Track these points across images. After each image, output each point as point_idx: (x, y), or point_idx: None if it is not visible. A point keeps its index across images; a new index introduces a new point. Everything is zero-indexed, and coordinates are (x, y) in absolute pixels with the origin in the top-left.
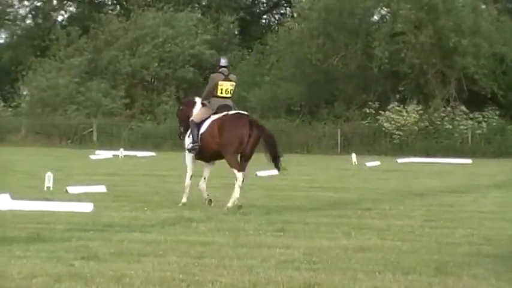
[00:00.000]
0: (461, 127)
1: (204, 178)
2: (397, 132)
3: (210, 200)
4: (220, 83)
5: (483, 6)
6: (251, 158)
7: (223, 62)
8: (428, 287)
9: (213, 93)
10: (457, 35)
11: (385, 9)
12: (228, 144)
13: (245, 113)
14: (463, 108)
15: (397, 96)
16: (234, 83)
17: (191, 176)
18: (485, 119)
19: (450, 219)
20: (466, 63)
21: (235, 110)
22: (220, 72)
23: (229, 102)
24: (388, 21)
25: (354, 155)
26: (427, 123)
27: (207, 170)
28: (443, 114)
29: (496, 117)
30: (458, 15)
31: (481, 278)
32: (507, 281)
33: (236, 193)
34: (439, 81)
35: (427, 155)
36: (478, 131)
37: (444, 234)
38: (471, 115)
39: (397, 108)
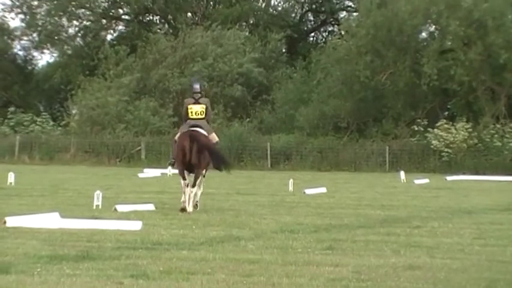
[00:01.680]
0: (511, 144)
1: (187, 186)
2: (445, 150)
3: (184, 209)
4: (190, 106)
5: None
6: (200, 166)
7: (195, 87)
8: None
9: (186, 116)
10: (507, 51)
11: (434, 26)
12: (175, 156)
13: (194, 129)
14: None
15: (446, 113)
16: (204, 105)
17: (186, 184)
18: None
19: (500, 237)
20: None
21: (200, 128)
22: (191, 97)
23: (201, 122)
24: (436, 38)
25: (402, 173)
26: (476, 141)
27: (190, 178)
28: (492, 132)
29: None
30: (508, 31)
31: None
32: None
33: (183, 197)
34: (488, 98)
35: (476, 173)
36: None
37: (494, 252)
38: None
39: (446, 125)
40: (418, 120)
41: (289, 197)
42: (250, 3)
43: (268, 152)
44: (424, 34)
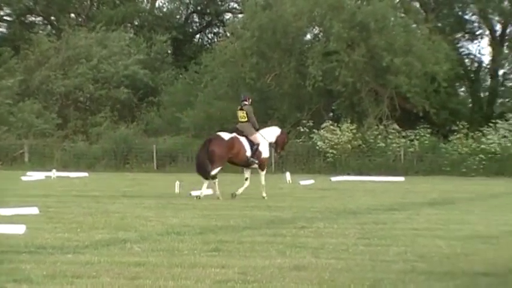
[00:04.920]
0: (394, 145)
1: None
2: (330, 151)
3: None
4: (237, 112)
5: (414, 26)
6: (214, 164)
7: (241, 97)
8: None
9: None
10: (390, 53)
11: (318, 28)
12: None
13: (217, 134)
14: (396, 126)
15: (331, 114)
16: (244, 111)
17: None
18: (418, 137)
19: (384, 236)
20: (399, 82)
21: (239, 132)
22: (240, 105)
23: (239, 126)
24: (320, 39)
25: (288, 174)
26: (360, 142)
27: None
28: (376, 133)
29: (427, 135)
30: (390, 34)
31: None
32: None
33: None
34: (372, 99)
35: (361, 173)
36: (411, 149)
37: (378, 252)
38: (404, 133)
39: (331, 126)
40: (304, 122)
41: (176, 199)
42: (135, 4)
43: (154, 154)
44: (308, 36)
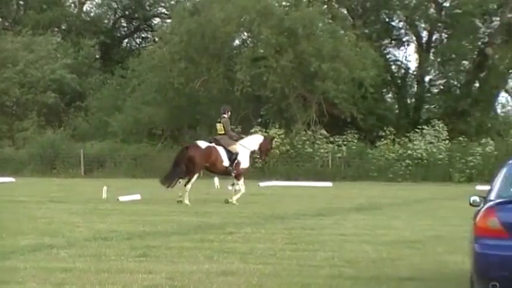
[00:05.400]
0: (322, 150)
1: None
2: (259, 156)
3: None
4: (216, 124)
5: (342, 32)
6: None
7: (221, 109)
8: None
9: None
10: (317, 59)
11: (246, 33)
12: None
13: (195, 142)
14: (324, 132)
15: (259, 120)
16: (222, 124)
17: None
18: (345, 143)
19: (312, 242)
20: (326, 88)
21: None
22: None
23: (218, 137)
24: (249, 45)
25: (216, 179)
26: (288, 147)
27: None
28: (304, 138)
29: (355, 141)
30: (318, 40)
31: None
32: None
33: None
34: (300, 105)
35: (289, 179)
36: (338, 155)
37: (305, 257)
38: (331, 139)
39: (259, 132)
40: (232, 127)
41: (103, 204)
42: (62, 8)
43: (82, 159)
44: (237, 41)
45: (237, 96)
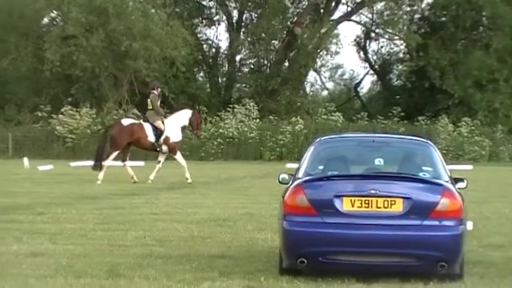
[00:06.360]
0: None
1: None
2: (70, 136)
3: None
4: (147, 100)
5: (153, 10)
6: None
7: (150, 85)
8: None
9: None
10: (128, 38)
11: (55, 12)
12: None
13: (118, 120)
14: (135, 111)
15: (70, 99)
16: (149, 100)
17: None
18: None
19: (123, 221)
20: (138, 67)
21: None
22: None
23: (147, 113)
24: (58, 24)
25: (25, 159)
26: (100, 127)
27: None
28: (116, 117)
29: None
30: (128, 19)
31: (152, 279)
32: (179, 282)
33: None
34: (111, 84)
35: None
36: None
37: (116, 236)
38: (143, 118)
39: (70, 111)
40: (42, 106)
41: None
42: None
43: None
44: (46, 19)
45: (46, 76)
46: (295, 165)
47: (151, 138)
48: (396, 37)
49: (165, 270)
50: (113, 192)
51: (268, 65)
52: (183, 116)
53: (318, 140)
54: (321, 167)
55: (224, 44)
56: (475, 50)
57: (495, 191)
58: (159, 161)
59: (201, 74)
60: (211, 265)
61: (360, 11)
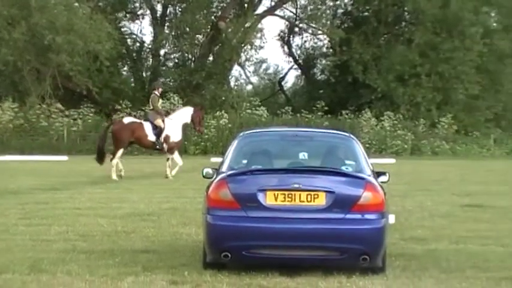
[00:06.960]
0: (57, 124)
1: None
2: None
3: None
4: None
5: (76, 4)
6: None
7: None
8: (23, 286)
9: None
10: (51, 32)
11: None
12: None
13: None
14: (59, 105)
15: None
16: (150, 100)
17: None
18: (81, 116)
19: (45, 216)
20: (61, 61)
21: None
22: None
23: (148, 113)
24: None
25: None
26: (22, 121)
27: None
28: (38, 112)
29: (91, 115)
30: (51, 12)
31: (75, 274)
32: (102, 276)
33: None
34: (34, 78)
35: (23, 153)
36: (74, 128)
37: (39, 231)
38: (67, 112)
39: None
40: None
41: None
42: None
43: None
44: None
45: None
46: (219, 159)
47: (151, 137)
48: (320, 32)
49: (88, 265)
50: (35, 187)
51: (193, 59)
52: (185, 113)
53: (241, 134)
54: (244, 161)
55: (148, 38)
56: (397, 45)
57: (417, 184)
58: (168, 158)
59: (125, 68)
60: (134, 260)
61: (284, 6)
